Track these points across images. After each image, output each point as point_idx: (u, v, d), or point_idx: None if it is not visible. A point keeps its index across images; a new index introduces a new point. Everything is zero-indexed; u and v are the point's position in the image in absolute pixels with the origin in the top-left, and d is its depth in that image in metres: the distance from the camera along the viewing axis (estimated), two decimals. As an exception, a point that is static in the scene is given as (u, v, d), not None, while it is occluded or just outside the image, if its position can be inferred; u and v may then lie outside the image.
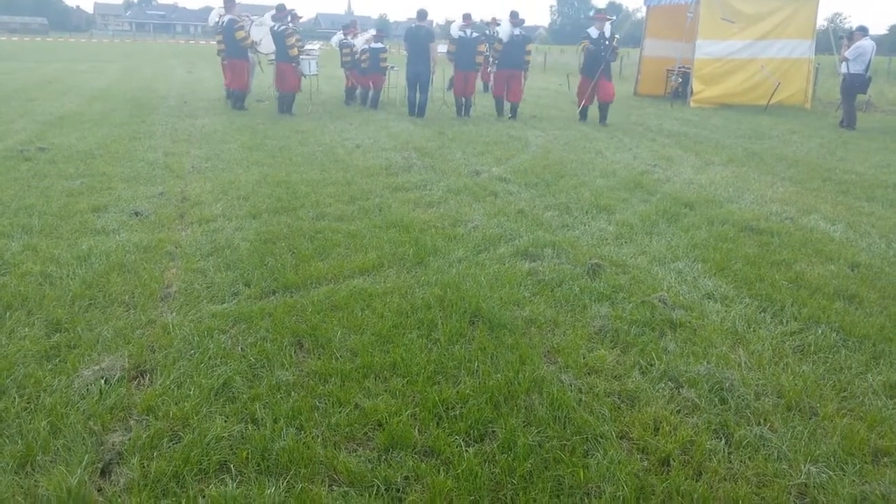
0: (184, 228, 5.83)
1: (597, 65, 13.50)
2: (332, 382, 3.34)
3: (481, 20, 16.55)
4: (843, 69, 14.23)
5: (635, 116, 15.26)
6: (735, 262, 5.23)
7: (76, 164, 8.11)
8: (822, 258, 5.41)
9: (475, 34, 14.15)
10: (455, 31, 14.17)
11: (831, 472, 2.77)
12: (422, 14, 14.00)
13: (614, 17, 14.46)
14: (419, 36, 13.80)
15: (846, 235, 6.09)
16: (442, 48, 17.77)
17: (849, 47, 14.16)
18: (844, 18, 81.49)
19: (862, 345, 3.93)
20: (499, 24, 15.22)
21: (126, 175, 7.70)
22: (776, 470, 2.78)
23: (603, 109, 13.80)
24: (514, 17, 13.86)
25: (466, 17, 14.38)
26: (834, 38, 17.27)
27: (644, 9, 20.83)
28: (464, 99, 14.46)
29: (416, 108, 14.09)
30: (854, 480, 2.74)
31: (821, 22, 18.47)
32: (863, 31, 14.36)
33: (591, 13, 16.57)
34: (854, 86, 14.12)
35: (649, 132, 12.75)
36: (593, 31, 13.61)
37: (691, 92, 17.59)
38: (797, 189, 8.01)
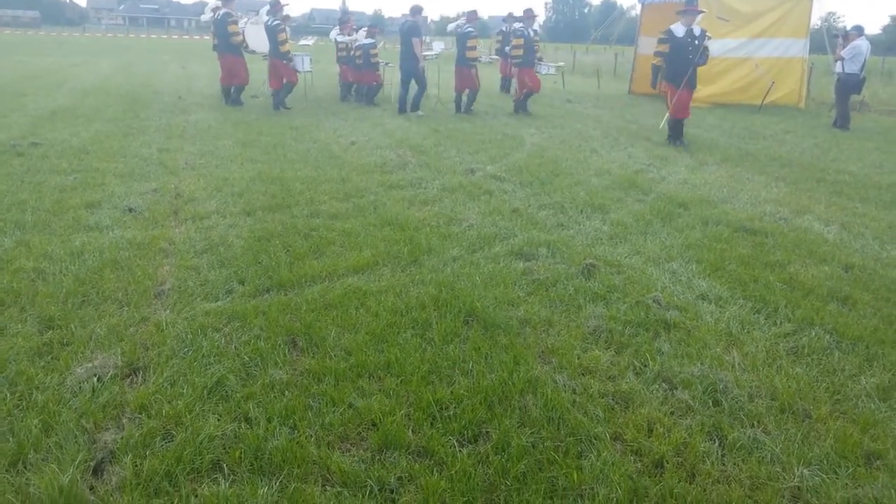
0: (178, 225, 5.80)
1: (684, 69, 10.85)
2: (326, 382, 3.33)
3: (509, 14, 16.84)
4: (838, 68, 14.21)
5: (630, 115, 15.26)
6: (729, 262, 5.24)
7: (69, 160, 8.06)
8: (815, 259, 5.43)
9: (468, 29, 14.24)
10: (449, 28, 14.32)
11: (824, 475, 2.78)
12: (413, 9, 14.00)
13: (705, 11, 12.12)
14: (404, 31, 13.87)
15: (840, 237, 6.11)
16: (438, 45, 17.85)
17: (844, 46, 14.15)
18: (838, 18, 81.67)
19: (855, 347, 3.95)
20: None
21: (119, 171, 7.67)
22: (769, 472, 2.79)
23: (676, 126, 11.27)
24: (527, 13, 14.68)
25: (469, 13, 14.53)
26: (828, 38, 17.33)
27: (639, 6, 20.83)
28: (457, 94, 14.60)
29: (403, 104, 14.15)
30: (847, 483, 2.74)
31: (814, 21, 18.49)
32: (858, 30, 14.35)
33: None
34: (849, 85, 14.11)
35: (644, 130, 12.76)
36: (678, 29, 10.87)
37: (686, 91, 17.60)
38: (791, 189, 8.03)
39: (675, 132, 11.25)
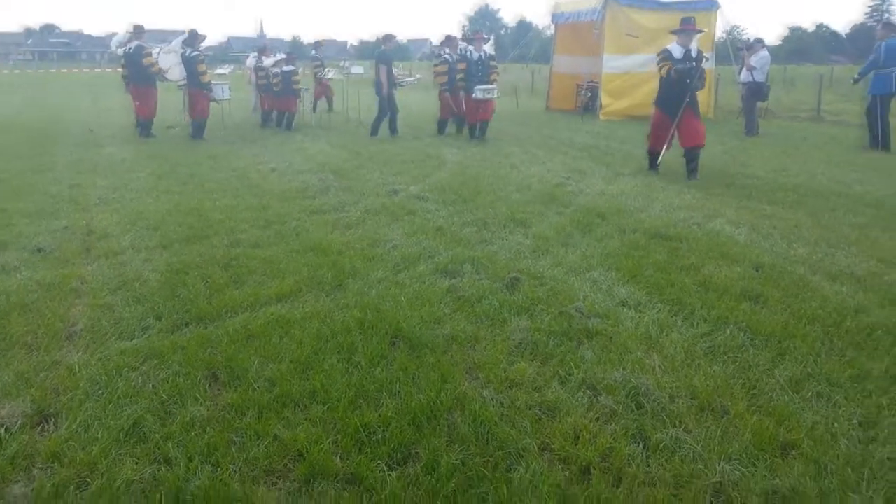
0: (89, 263, 5.59)
1: (681, 95, 9.52)
2: (250, 415, 3.25)
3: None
4: (747, 78, 14.85)
5: (547, 130, 15.58)
6: (646, 268, 5.37)
7: (-28, 201, 7.70)
8: (728, 261, 5.62)
9: (440, 55, 14.70)
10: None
11: (744, 469, 2.86)
12: (384, 38, 14.53)
13: (704, 30, 11.12)
14: (375, 58, 14.33)
15: (750, 238, 6.35)
16: (357, 69, 18.17)
17: (750, 57, 14.82)
18: (741, 30, 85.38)
19: (768, 342, 4.09)
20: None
21: (28, 210, 7.35)
22: (692, 470, 2.86)
23: (692, 157, 9.69)
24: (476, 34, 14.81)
25: (447, 38, 14.94)
26: (733, 50, 18.06)
27: (552, 26, 21.33)
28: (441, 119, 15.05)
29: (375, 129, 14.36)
30: (765, 475, 2.83)
31: (719, 34, 19.28)
32: (761, 42, 15.13)
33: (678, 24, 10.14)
34: (759, 93, 14.81)
35: (562, 146, 13.04)
36: (676, 49, 9.64)
37: (600, 106, 18.09)
38: (703, 195, 8.32)
39: (654, 163, 10.18)
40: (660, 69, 9.73)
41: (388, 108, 14.13)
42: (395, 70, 15.20)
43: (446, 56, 14.42)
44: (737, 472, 2.84)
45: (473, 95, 13.56)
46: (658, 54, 9.97)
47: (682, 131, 9.67)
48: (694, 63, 9.47)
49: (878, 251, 5.93)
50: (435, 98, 16.09)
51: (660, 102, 9.98)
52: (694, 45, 9.76)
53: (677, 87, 9.50)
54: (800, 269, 5.42)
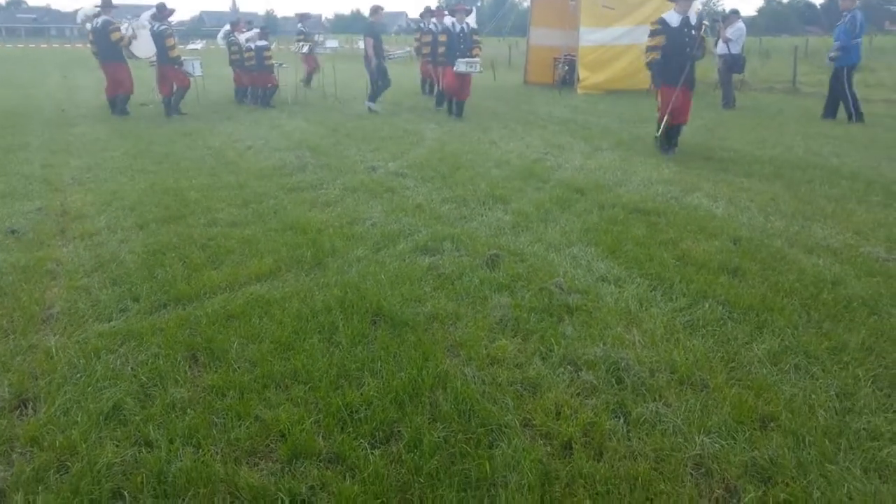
0: (65, 244, 5.51)
1: (681, 65, 9.04)
2: (231, 396, 3.23)
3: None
4: (723, 50, 14.85)
5: (525, 105, 15.52)
6: (626, 243, 5.40)
7: (-59, 182, 7.54)
8: (706, 235, 5.65)
9: (421, 26, 14.94)
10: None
11: (723, 442, 2.89)
12: (371, 9, 14.29)
13: None
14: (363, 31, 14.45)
15: (727, 211, 6.39)
16: (332, 43, 18.00)
17: (725, 29, 14.81)
18: (717, 2, 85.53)
19: (746, 316, 4.13)
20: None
21: (-1, 191, 7.23)
22: (672, 444, 2.89)
23: (675, 133, 9.58)
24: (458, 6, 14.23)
25: (427, 10, 14.99)
26: (709, 21, 18.03)
27: (529, -2, 21.21)
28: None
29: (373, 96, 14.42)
30: (745, 447, 2.87)
31: (696, 6, 19.24)
32: (737, 13, 15.15)
33: None
34: (735, 65, 14.84)
35: (540, 120, 13.00)
36: (672, 18, 9.11)
37: (578, 79, 18.04)
38: (680, 169, 8.35)
39: (670, 139, 9.56)
40: (646, 53, 9.31)
41: (381, 78, 14.06)
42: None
43: (431, 26, 14.25)
44: (716, 445, 2.87)
45: (456, 69, 12.96)
46: (652, 23, 9.46)
47: (676, 106, 9.19)
48: (694, 32, 9.08)
49: (853, 223, 5.99)
50: (416, 73, 15.92)
51: (662, 75, 9.25)
52: (693, 13, 9.32)
53: (677, 57, 9.04)
54: (777, 242, 5.47)
